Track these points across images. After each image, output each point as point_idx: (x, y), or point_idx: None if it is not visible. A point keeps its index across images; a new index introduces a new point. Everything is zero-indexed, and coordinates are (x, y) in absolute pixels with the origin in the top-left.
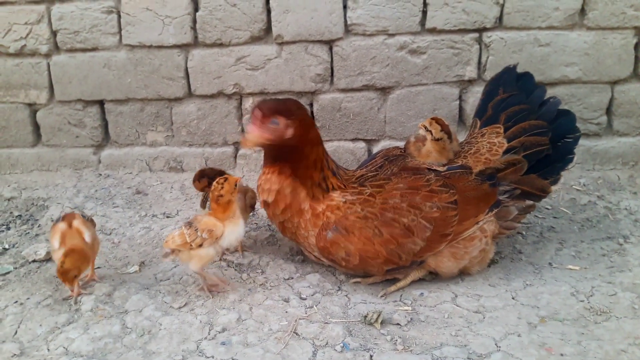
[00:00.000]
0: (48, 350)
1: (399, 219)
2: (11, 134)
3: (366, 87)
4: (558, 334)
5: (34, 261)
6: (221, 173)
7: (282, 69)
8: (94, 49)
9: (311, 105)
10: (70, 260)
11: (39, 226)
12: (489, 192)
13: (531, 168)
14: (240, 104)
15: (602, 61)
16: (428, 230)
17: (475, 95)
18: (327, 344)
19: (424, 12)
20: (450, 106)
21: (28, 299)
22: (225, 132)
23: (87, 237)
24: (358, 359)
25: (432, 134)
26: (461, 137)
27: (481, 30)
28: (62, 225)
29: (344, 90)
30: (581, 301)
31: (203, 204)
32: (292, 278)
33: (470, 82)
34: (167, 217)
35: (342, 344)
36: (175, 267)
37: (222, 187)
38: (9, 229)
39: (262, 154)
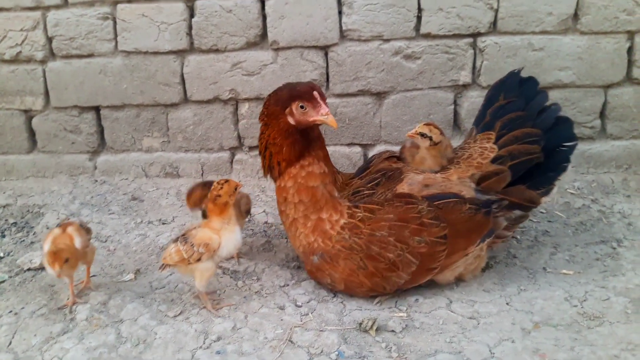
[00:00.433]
0: None
1: (384, 254)
2: (7, 140)
3: (362, 92)
4: (552, 340)
5: (28, 269)
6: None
7: (278, 75)
8: (89, 55)
9: None
10: (64, 243)
11: (34, 234)
12: (482, 223)
13: (522, 177)
14: (236, 109)
15: (595, 65)
16: (414, 265)
17: (470, 99)
18: (322, 352)
19: (419, 18)
20: (445, 111)
21: (23, 308)
22: (222, 138)
23: (77, 242)
24: None
25: (432, 139)
26: (456, 141)
27: (475, 35)
28: (56, 231)
29: (339, 95)
30: (575, 306)
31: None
32: (288, 285)
33: (465, 86)
34: (163, 223)
35: (337, 352)
36: (170, 275)
37: (222, 188)
38: (3, 236)
39: (265, 158)
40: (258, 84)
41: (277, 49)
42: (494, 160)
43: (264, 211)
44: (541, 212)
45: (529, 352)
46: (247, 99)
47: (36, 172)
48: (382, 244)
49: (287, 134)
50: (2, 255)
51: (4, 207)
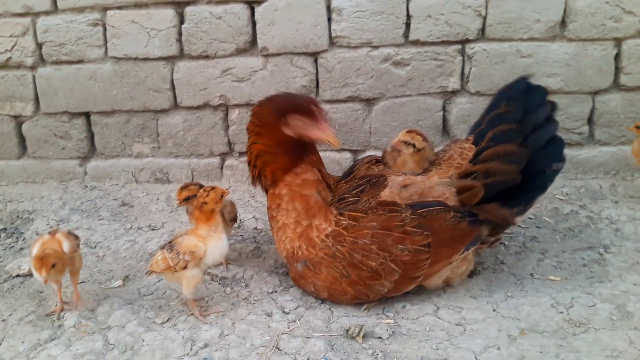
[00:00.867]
0: None
1: (366, 262)
2: None
3: (351, 99)
4: (537, 347)
5: (17, 276)
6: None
7: (268, 81)
8: (79, 62)
9: None
10: (51, 248)
11: (23, 240)
12: (466, 231)
13: (501, 192)
14: (226, 115)
15: (583, 72)
16: (396, 273)
17: (458, 106)
18: (308, 359)
19: (407, 25)
20: (434, 117)
21: (10, 315)
22: (212, 143)
23: (66, 246)
24: None
25: (415, 146)
26: None
27: (464, 41)
28: (45, 237)
29: (329, 102)
30: (561, 312)
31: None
32: (276, 291)
33: (454, 93)
34: (153, 229)
35: (323, 359)
36: (158, 281)
37: (208, 195)
38: None
39: (255, 167)
40: (248, 90)
41: (266, 56)
42: (469, 175)
43: (253, 217)
44: (530, 218)
45: (514, 358)
46: (237, 105)
47: (26, 177)
48: (364, 252)
49: (283, 143)
50: None
51: None
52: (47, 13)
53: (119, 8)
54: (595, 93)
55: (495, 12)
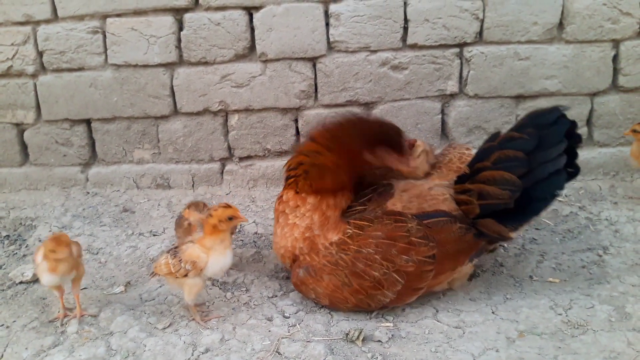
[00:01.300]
0: None
1: (369, 272)
2: None
3: (350, 103)
4: (535, 349)
5: (20, 282)
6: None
7: (267, 86)
8: (80, 69)
9: (296, 121)
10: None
11: (26, 246)
12: (471, 244)
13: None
14: (226, 120)
15: (581, 74)
16: (399, 284)
17: (457, 109)
18: None
19: (405, 29)
20: (433, 120)
21: (14, 321)
22: (212, 149)
23: (73, 249)
24: None
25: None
26: None
27: (462, 45)
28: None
29: (328, 106)
30: (559, 314)
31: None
32: (276, 296)
33: (452, 96)
34: (154, 235)
35: None
36: (160, 287)
37: (216, 210)
38: None
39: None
40: (247, 95)
41: (265, 61)
42: (465, 191)
43: (254, 222)
44: None
45: None
46: (237, 111)
47: (28, 184)
48: (368, 262)
49: (349, 167)
50: None
51: None
52: (47, 21)
53: (118, 15)
54: (594, 95)
55: (492, 15)
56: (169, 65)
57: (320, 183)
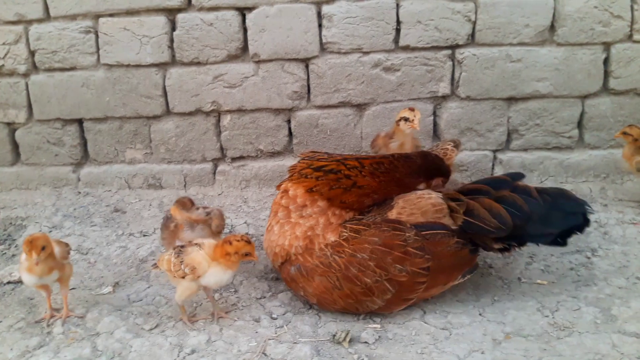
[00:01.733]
0: None
1: (361, 278)
2: None
3: (342, 104)
4: (521, 351)
5: (8, 283)
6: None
7: (260, 87)
8: (72, 69)
9: (289, 122)
10: (40, 233)
11: (16, 246)
12: (466, 259)
13: None
14: (219, 121)
15: (572, 76)
16: (390, 293)
17: (449, 110)
18: None
19: (397, 30)
20: (425, 122)
21: (0, 322)
22: (204, 149)
23: (56, 251)
24: None
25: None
26: None
27: (454, 47)
28: None
29: (320, 107)
30: (546, 316)
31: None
32: (265, 297)
33: (444, 97)
34: (144, 235)
35: None
36: (148, 287)
37: (238, 242)
38: None
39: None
40: (240, 96)
41: (258, 62)
42: (456, 200)
43: (245, 222)
44: None
45: None
46: (229, 111)
47: (19, 184)
48: (361, 267)
49: (377, 199)
50: None
51: None
52: (39, 21)
53: (110, 15)
54: (585, 97)
55: (484, 17)
56: (161, 66)
57: (344, 195)
